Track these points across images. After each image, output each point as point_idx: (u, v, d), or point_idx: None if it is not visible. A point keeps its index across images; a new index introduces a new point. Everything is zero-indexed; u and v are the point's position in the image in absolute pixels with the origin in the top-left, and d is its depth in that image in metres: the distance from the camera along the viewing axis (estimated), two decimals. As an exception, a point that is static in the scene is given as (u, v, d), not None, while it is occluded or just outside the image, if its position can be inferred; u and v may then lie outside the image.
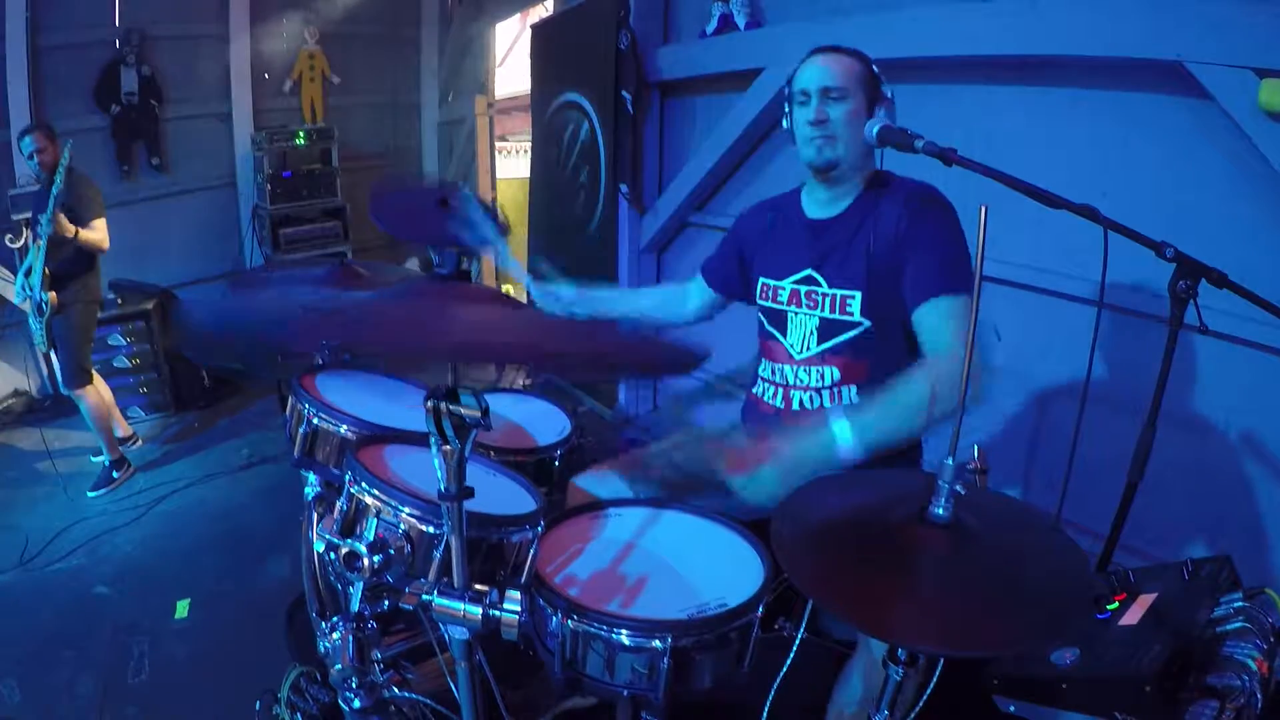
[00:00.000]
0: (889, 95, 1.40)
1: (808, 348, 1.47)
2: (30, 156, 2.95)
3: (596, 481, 1.52)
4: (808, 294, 1.47)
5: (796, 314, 1.49)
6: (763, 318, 1.57)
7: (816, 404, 1.47)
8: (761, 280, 1.56)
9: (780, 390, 1.52)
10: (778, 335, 1.53)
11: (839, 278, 1.43)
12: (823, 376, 1.46)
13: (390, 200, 1.88)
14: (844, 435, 1.22)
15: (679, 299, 1.80)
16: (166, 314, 4.02)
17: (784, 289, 1.51)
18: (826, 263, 1.45)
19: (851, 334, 1.43)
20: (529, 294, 1.76)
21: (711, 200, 3.29)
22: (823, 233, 1.47)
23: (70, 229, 2.88)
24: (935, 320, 1.33)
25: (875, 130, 1.33)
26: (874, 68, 1.41)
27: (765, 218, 1.62)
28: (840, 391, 1.46)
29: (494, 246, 1.60)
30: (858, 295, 1.40)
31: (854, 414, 1.24)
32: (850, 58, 1.41)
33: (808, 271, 1.47)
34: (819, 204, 1.51)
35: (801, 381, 1.48)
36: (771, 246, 1.56)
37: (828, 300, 1.44)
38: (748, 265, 1.63)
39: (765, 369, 1.56)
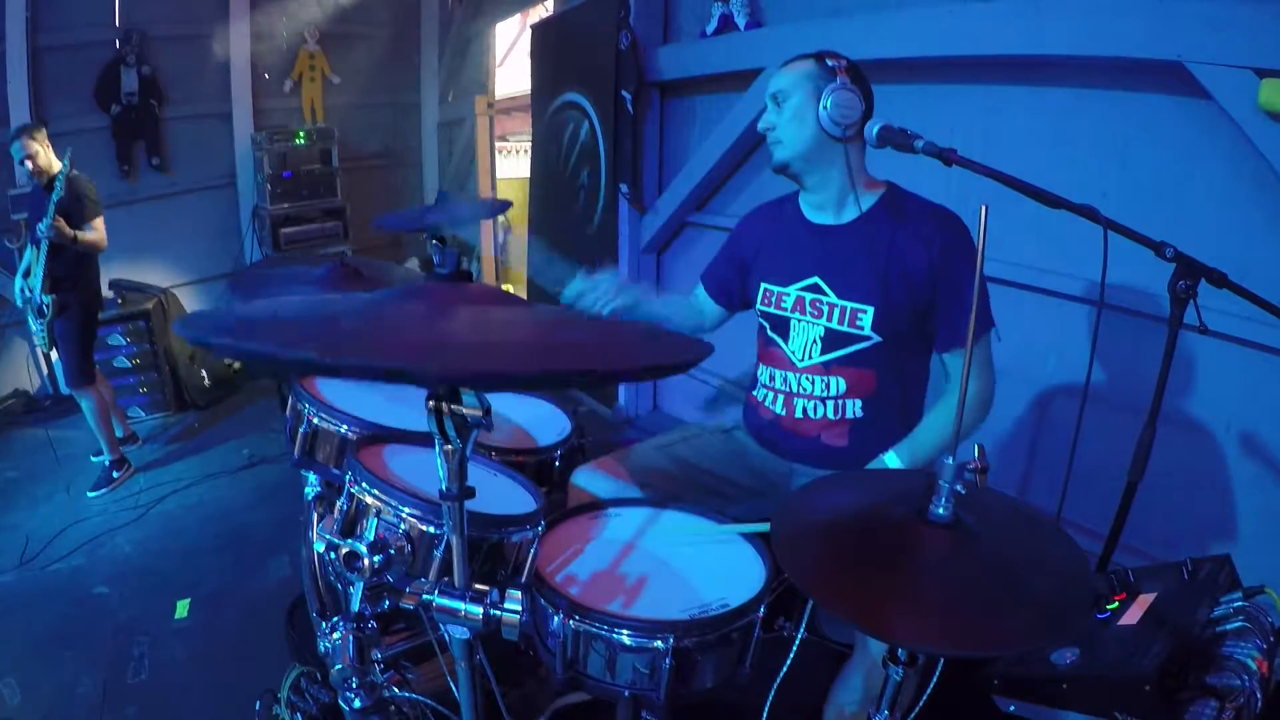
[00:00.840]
0: (837, 79, 1.35)
1: (810, 355, 1.46)
2: (21, 162, 2.93)
3: (596, 478, 1.51)
4: (813, 302, 1.45)
5: (800, 321, 1.47)
6: (764, 323, 1.56)
7: (820, 414, 1.47)
8: (764, 285, 1.54)
9: (782, 397, 1.51)
10: (779, 342, 1.51)
11: (849, 290, 1.41)
12: (828, 387, 1.46)
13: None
14: (893, 462, 1.39)
15: (695, 310, 1.71)
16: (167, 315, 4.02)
17: (788, 295, 1.49)
18: (833, 271, 1.43)
19: (859, 346, 1.42)
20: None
21: (711, 200, 3.29)
22: (827, 239, 1.45)
23: (70, 233, 2.88)
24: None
25: (875, 131, 1.32)
26: (827, 61, 1.37)
27: (765, 221, 1.60)
28: (845, 405, 1.45)
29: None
30: (870, 310, 1.39)
31: (902, 446, 1.40)
32: (805, 59, 1.41)
33: (813, 279, 1.46)
34: (815, 208, 1.49)
35: (805, 390, 1.48)
36: (773, 251, 1.54)
37: (836, 311, 1.42)
38: (748, 270, 1.60)
39: (765, 375, 1.55)
